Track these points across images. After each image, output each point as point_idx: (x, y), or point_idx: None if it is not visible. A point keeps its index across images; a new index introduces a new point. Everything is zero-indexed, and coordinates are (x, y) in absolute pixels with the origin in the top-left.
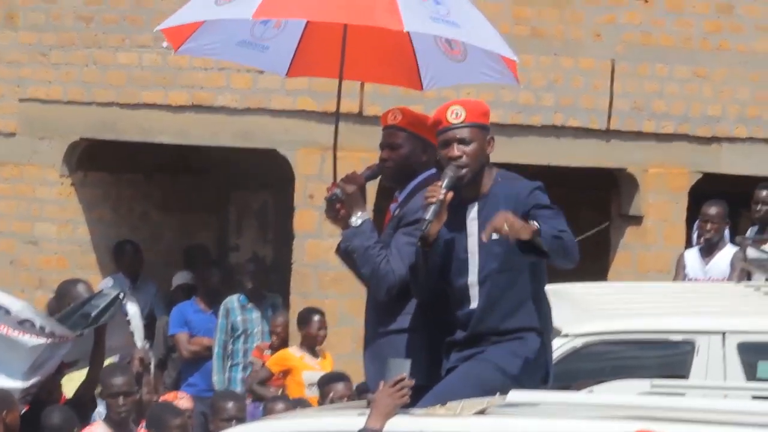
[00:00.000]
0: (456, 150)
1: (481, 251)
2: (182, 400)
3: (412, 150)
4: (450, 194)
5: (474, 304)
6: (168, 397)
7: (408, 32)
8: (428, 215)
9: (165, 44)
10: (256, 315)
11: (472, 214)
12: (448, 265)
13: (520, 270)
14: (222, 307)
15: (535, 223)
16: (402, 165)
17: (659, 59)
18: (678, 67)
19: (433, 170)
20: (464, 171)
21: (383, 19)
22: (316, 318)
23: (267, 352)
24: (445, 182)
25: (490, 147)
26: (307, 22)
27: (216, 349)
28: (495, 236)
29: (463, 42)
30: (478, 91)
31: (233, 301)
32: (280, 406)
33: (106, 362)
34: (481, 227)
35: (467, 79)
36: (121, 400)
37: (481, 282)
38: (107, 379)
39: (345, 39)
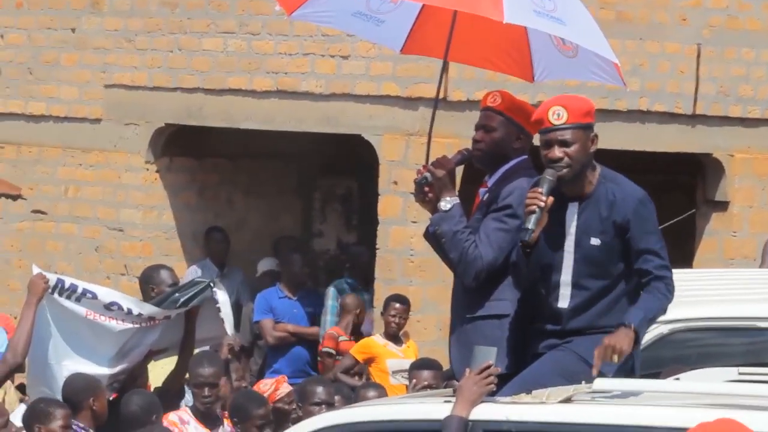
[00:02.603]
0: (557, 152)
1: (578, 253)
2: (283, 385)
3: (505, 134)
4: (551, 199)
5: (563, 304)
6: (268, 382)
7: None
8: (530, 224)
9: (277, 8)
10: (367, 297)
11: (572, 213)
12: (543, 258)
13: (616, 274)
14: (332, 289)
15: (632, 324)
16: (494, 148)
17: (746, 43)
18: (765, 51)
19: (525, 157)
20: (564, 171)
21: (485, 9)
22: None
23: (342, 339)
24: (544, 188)
25: (594, 145)
26: None
27: (323, 333)
28: (595, 242)
29: None
30: None
31: (342, 283)
32: (372, 393)
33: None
34: (580, 230)
35: (576, 75)
36: (206, 390)
37: (574, 284)
38: (195, 368)
39: (454, 23)
